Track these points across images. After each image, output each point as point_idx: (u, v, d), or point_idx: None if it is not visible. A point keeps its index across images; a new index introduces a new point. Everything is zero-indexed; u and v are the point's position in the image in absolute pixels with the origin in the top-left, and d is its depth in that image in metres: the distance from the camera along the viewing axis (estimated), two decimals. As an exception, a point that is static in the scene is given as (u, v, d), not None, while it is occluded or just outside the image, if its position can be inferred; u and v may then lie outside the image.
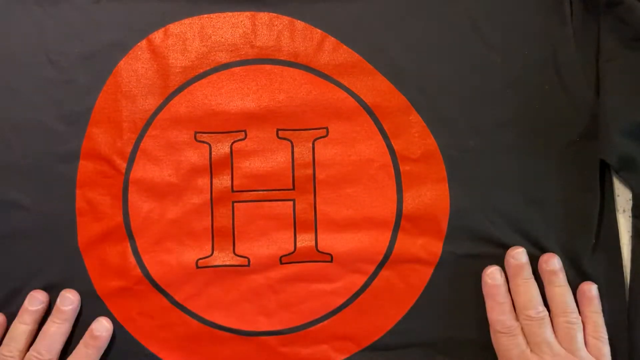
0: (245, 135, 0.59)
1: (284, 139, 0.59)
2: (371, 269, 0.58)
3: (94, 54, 0.58)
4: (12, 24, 0.59)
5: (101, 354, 0.57)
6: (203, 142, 0.58)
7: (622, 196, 0.58)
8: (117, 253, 0.58)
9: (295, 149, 0.59)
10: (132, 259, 0.58)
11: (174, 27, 0.59)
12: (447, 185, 0.58)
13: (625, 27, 0.56)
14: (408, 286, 0.58)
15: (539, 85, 0.58)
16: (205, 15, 0.59)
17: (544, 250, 0.57)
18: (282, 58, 0.59)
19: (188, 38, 0.59)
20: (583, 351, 0.54)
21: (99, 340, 0.57)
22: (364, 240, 0.58)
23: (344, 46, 0.59)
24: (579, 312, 0.55)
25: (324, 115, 0.59)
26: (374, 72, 0.58)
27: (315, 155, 0.59)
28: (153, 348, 0.58)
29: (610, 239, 0.57)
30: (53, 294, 0.58)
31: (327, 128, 0.59)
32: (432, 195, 0.58)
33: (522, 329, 0.55)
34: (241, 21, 0.59)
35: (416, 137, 0.58)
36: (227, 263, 0.58)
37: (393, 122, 0.58)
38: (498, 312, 0.55)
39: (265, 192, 0.59)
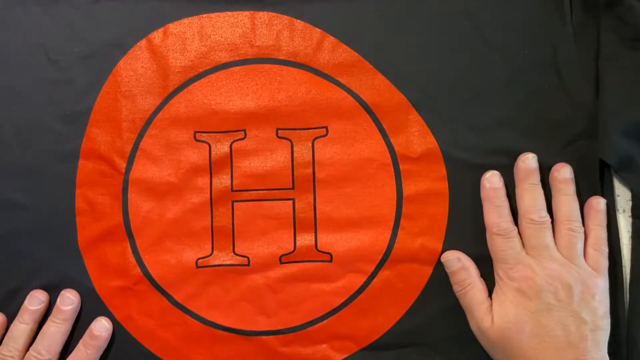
0: (245, 134, 0.58)
1: (284, 138, 0.58)
2: (370, 268, 0.58)
3: (93, 54, 0.58)
4: (11, 24, 0.59)
5: (101, 353, 0.57)
6: (202, 141, 0.58)
7: (622, 196, 0.58)
8: (116, 253, 0.58)
9: (295, 148, 0.59)
10: (131, 259, 0.58)
11: (174, 27, 0.59)
12: (446, 184, 0.58)
13: (625, 27, 0.56)
14: (407, 286, 0.58)
15: (539, 85, 0.58)
16: (205, 15, 0.59)
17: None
18: (281, 57, 0.59)
19: (187, 38, 0.59)
20: (581, 260, 0.54)
21: (99, 340, 0.57)
22: (363, 239, 0.58)
23: (344, 45, 0.58)
24: (583, 225, 0.55)
25: (324, 114, 0.58)
26: (373, 71, 0.58)
27: (315, 155, 0.58)
28: (153, 348, 0.58)
29: (610, 239, 0.57)
30: (53, 293, 0.58)
31: (326, 127, 0.58)
32: (431, 194, 0.58)
33: (520, 233, 0.55)
34: (240, 21, 0.59)
35: (416, 136, 0.58)
36: (227, 262, 0.58)
37: (393, 121, 0.58)
38: (495, 215, 0.56)
39: (264, 191, 0.58)
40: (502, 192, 0.56)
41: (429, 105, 0.58)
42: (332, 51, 0.59)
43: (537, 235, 0.54)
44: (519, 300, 0.53)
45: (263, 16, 0.59)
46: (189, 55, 0.59)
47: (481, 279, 0.56)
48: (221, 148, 0.58)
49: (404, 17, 0.58)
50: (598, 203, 0.56)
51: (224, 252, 0.58)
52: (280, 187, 0.58)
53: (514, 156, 0.58)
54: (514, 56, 0.58)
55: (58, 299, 0.57)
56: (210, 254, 0.58)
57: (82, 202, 0.58)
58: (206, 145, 0.58)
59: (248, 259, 0.58)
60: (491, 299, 0.55)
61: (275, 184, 0.59)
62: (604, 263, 0.54)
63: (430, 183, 0.58)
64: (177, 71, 0.59)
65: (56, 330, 0.56)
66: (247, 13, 0.59)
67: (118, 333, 0.58)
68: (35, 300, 0.57)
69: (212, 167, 0.58)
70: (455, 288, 0.57)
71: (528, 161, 0.56)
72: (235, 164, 0.58)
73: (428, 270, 0.58)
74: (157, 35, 0.59)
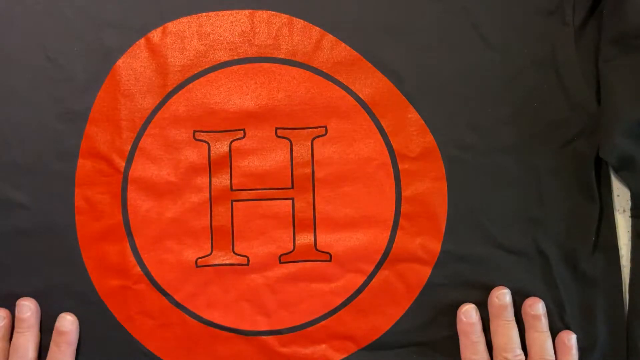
0: (244, 134, 0.58)
1: (283, 137, 0.58)
2: (370, 268, 0.58)
3: (92, 53, 0.58)
4: (11, 22, 0.58)
5: (74, 348, 0.57)
6: (202, 140, 0.58)
7: (622, 196, 0.58)
8: (116, 252, 0.58)
9: (294, 148, 0.58)
10: (131, 258, 0.58)
11: (173, 26, 0.58)
12: (445, 183, 0.58)
13: (626, 27, 0.55)
14: (406, 286, 0.58)
15: (538, 85, 0.58)
16: (204, 14, 0.59)
17: (542, 251, 0.57)
18: (280, 56, 0.59)
19: (186, 36, 0.58)
20: None
21: (67, 335, 0.57)
22: (362, 239, 0.58)
23: (343, 44, 0.58)
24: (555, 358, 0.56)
25: (323, 113, 0.58)
26: (372, 70, 0.58)
27: (314, 154, 0.58)
28: (152, 347, 0.58)
29: (609, 239, 0.57)
30: (54, 293, 0.58)
31: (326, 127, 0.58)
32: (430, 193, 0.58)
33: None
34: (240, 19, 0.59)
35: (415, 135, 0.58)
36: (227, 262, 0.58)
37: (392, 120, 0.58)
38: (471, 351, 0.56)
39: (264, 190, 0.58)
40: (479, 327, 0.56)
41: (428, 104, 0.58)
42: (331, 50, 0.58)
43: None
44: None
45: (262, 15, 0.59)
46: (188, 54, 0.58)
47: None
48: (220, 147, 0.58)
49: (403, 16, 0.58)
50: (569, 339, 0.56)
51: (224, 251, 0.58)
52: (280, 186, 0.58)
53: (512, 155, 0.58)
54: (514, 56, 0.58)
55: (16, 310, 0.57)
56: (210, 254, 0.58)
57: (81, 201, 0.58)
58: (205, 145, 0.58)
59: (247, 258, 0.58)
60: None
61: (274, 184, 0.58)
62: None
63: (429, 182, 0.58)
64: (176, 70, 0.58)
65: (24, 340, 0.56)
66: (246, 12, 0.59)
67: (118, 333, 0.58)
68: None
69: (211, 167, 0.58)
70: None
71: (502, 297, 0.56)
72: (235, 164, 0.58)
73: (427, 270, 0.58)
74: (155, 34, 0.58)
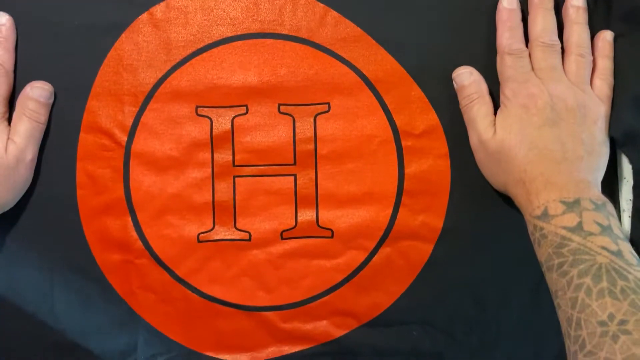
0: (247, 109, 0.58)
1: (286, 113, 0.58)
2: (372, 245, 0.58)
3: (95, 27, 0.58)
4: (12, -4, 0.58)
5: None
6: (204, 116, 0.58)
7: (623, 196, 0.58)
8: (118, 227, 0.58)
9: (297, 124, 0.58)
10: (133, 233, 0.58)
11: (176, 1, 0.58)
12: (448, 161, 0.58)
13: (637, 3, 0.54)
14: (408, 263, 0.58)
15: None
16: (207, -11, 0.58)
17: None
18: (284, 32, 0.58)
19: (190, 12, 0.58)
20: (587, 86, 0.54)
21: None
22: (364, 216, 0.58)
23: (347, 20, 0.58)
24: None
25: (326, 90, 0.58)
26: (376, 47, 0.58)
27: (317, 131, 0.58)
28: (154, 322, 0.59)
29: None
30: (56, 269, 0.58)
31: (328, 103, 0.58)
32: (433, 171, 0.58)
33: (531, 55, 0.55)
34: (243, -6, 0.58)
35: (418, 112, 0.58)
36: (228, 237, 0.58)
37: (395, 97, 0.58)
38: (508, 36, 0.55)
39: (266, 167, 0.58)
40: (518, 14, 0.55)
41: (432, 82, 0.58)
42: (335, 26, 0.58)
43: (546, 57, 0.54)
44: (523, 115, 0.52)
45: (266, -10, 0.58)
46: (191, 29, 0.58)
47: (489, 96, 0.56)
48: (223, 123, 0.58)
49: (407, -7, 0.58)
50: (606, 34, 0.56)
51: (225, 227, 0.58)
52: (282, 162, 0.58)
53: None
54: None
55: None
56: (212, 229, 0.58)
57: (83, 176, 0.58)
58: (208, 120, 0.58)
59: (249, 234, 0.58)
60: (495, 116, 0.55)
61: (277, 160, 0.58)
62: (609, 93, 0.55)
63: (432, 160, 0.58)
64: (179, 45, 0.58)
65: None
66: (249, -13, 0.58)
67: (119, 307, 0.58)
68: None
69: (213, 142, 0.58)
70: (463, 102, 0.56)
71: None
72: (237, 139, 0.58)
73: (429, 248, 0.58)
74: (159, 9, 0.58)
